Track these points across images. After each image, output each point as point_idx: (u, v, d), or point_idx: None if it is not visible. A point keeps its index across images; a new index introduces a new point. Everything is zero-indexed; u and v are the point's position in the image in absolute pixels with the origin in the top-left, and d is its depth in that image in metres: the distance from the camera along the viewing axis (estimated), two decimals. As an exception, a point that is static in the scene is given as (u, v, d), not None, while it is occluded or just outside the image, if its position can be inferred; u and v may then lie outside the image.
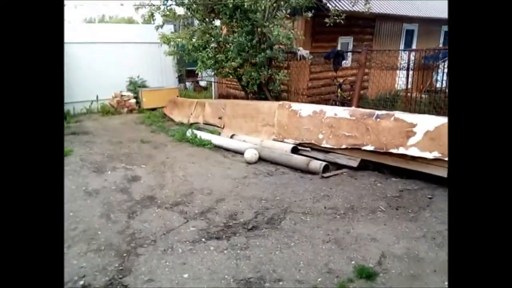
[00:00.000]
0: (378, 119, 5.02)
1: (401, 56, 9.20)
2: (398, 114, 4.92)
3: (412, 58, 7.39)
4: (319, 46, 9.59)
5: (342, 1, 8.30)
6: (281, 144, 6.16)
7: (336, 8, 7.37)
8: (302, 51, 7.08)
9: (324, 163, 5.20)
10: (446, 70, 8.00)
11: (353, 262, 2.99)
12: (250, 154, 5.83)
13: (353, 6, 7.77)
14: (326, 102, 9.04)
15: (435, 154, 4.36)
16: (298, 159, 5.49)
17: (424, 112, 6.36)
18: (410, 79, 8.76)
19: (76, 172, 5.35)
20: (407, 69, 6.34)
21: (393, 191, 4.44)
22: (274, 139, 6.47)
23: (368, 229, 3.54)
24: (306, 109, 6.05)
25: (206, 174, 5.28)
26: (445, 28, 14.14)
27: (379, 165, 5.11)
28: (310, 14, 6.88)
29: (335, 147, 5.49)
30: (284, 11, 6.50)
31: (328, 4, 7.63)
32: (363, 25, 10.84)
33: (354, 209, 4.00)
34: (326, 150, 5.66)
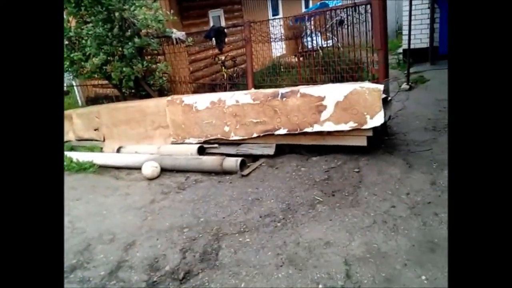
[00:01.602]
0: (284, 99, 4.57)
1: (272, 25, 8.96)
2: (303, 89, 4.55)
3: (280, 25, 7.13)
4: (190, 24, 8.66)
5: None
6: (183, 147, 5.30)
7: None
8: (177, 33, 6.12)
9: (240, 158, 4.59)
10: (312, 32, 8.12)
11: (320, 286, 2.51)
12: (150, 169, 4.83)
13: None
14: (213, 85, 8.35)
15: (351, 125, 4.14)
16: (209, 161, 4.75)
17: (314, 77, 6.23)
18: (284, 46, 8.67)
19: None
20: (297, 37, 6.01)
21: (320, 173, 4.13)
22: (173, 142, 5.54)
23: (316, 231, 3.12)
24: (202, 100, 5.25)
25: (100, 211, 4.13)
26: (304, -12, 14.63)
27: (294, 146, 4.74)
28: (176, -11, 5.88)
29: (246, 137, 4.91)
30: (145, -12, 5.37)
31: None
32: (230, -6, 10.26)
33: (291, 208, 3.53)
34: (236, 143, 5.03)
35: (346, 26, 4.90)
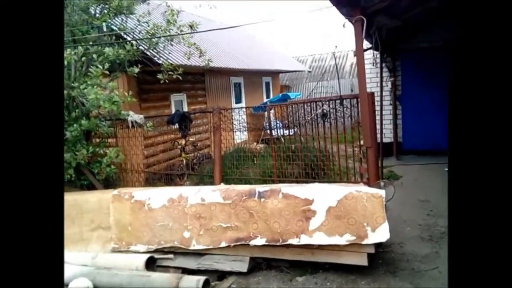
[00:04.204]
0: (262, 199, 3.73)
1: (239, 114, 8.58)
2: (286, 188, 3.78)
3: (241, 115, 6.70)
4: (150, 107, 8.03)
5: (173, 55, 7.09)
6: (127, 258, 4.08)
7: (169, 61, 6.03)
8: (134, 116, 5.33)
9: (203, 278, 3.47)
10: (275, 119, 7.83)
11: None
12: (77, 291, 3.52)
13: (188, 59, 6.62)
14: (170, 173, 7.39)
15: (348, 238, 3.33)
16: (160, 280, 3.57)
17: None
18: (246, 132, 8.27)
19: None
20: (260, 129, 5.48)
21: (312, 304, 3.13)
22: (114, 249, 4.30)
23: None
24: (157, 197, 4.24)
25: None
26: (265, 79, 15.09)
27: (274, 259, 3.77)
28: (136, 70, 5.26)
29: (211, 246, 3.87)
30: (100, 66, 4.65)
31: (156, 58, 6.23)
32: (194, 80, 10.04)
33: None
34: (199, 253, 3.96)
35: (328, 120, 4.44)
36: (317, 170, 4.68)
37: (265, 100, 14.30)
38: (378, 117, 7.70)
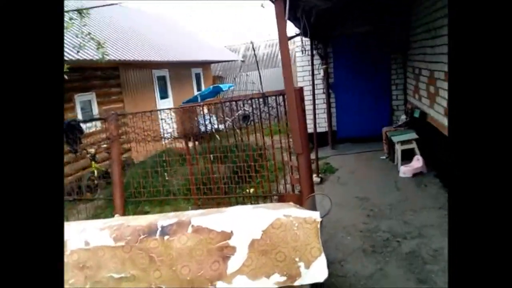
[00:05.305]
0: (166, 237, 2.81)
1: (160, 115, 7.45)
2: (197, 218, 2.89)
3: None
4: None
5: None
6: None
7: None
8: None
9: None
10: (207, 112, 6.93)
11: None
12: None
13: (77, 53, 5.33)
14: (77, 192, 6.14)
15: (276, 279, 2.56)
16: None
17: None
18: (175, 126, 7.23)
19: None
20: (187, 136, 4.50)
21: None
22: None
23: None
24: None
25: None
26: (195, 70, 13.95)
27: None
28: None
29: (101, 306, 2.88)
30: None
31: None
32: (105, 76, 8.65)
33: None
34: (85, 316, 2.94)
35: (252, 122, 3.63)
36: (241, 183, 3.86)
37: (196, 93, 13.22)
38: (311, 107, 7.17)
